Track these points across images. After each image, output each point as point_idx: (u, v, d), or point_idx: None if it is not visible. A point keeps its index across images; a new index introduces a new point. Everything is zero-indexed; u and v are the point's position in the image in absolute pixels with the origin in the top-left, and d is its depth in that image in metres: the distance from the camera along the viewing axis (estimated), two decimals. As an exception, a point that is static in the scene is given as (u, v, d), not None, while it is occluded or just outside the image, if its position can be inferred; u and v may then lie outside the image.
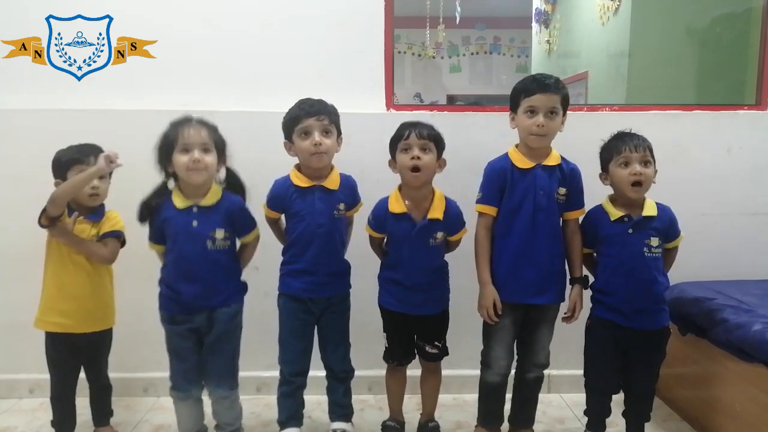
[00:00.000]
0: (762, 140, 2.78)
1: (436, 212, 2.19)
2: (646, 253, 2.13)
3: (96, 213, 2.24)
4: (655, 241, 2.14)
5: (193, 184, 2.11)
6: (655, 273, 2.14)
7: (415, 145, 2.15)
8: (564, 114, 2.15)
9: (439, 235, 2.21)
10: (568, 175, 2.19)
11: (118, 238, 2.27)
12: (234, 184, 2.26)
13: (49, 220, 2.09)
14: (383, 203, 2.25)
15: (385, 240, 2.32)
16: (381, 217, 2.25)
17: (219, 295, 2.16)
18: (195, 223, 2.12)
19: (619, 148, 2.14)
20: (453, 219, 2.24)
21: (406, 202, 2.20)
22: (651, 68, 4.28)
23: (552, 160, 2.17)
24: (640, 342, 2.17)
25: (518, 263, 2.17)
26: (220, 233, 2.14)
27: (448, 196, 2.25)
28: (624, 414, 2.28)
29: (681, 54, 4.18)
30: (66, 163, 2.17)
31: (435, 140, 2.17)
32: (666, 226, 2.17)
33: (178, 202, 2.13)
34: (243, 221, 2.24)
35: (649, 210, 2.15)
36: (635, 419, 2.26)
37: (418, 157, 2.13)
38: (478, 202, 2.22)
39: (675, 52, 4.20)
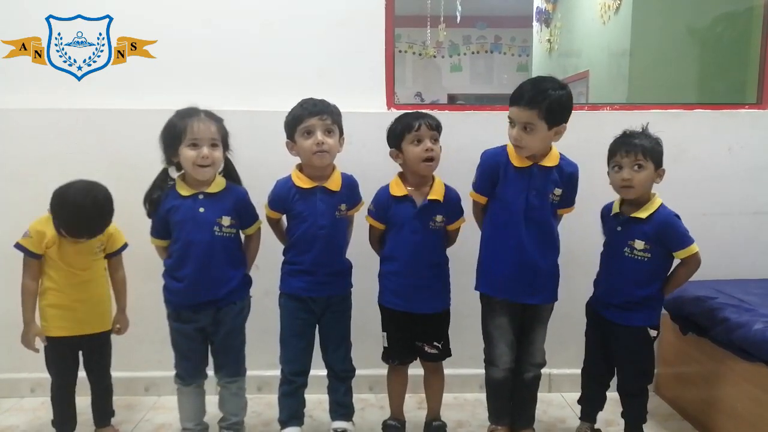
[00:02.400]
0: (763, 139, 2.77)
1: (436, 194, 2.21)
2: (626, 253, 2.14)
3: None
4: (639, 244, 2.12)
5: (199, 179, 2.13)
6: (633, 275, 2.14)
7: (427, 136, 2.17)
8: (554, 124, 2.06)
9: (439, 218, 2.22)
10: (566, 177, 2.18)
11: (123, 251, 2.34)
12: (231, 174, 2.26)
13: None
14: (384, 189, 2.27)
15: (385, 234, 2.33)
16: (383, 203, 2.26)
17: (224, 286, 2.17)
18: (202, 210, 2.13)
19: (613, 152, 2.16)
20: (452, 204, 2.26)
21: (408, 187, 2.23)
22: (652, 67, 4.28)
23: (550, 161, 2.15)
24: (617, 337, 2.20)
25: (511, 263, 2.17)
26: (226, 220, 2.16)
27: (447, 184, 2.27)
28: (622, 415, 2.29)
29: (682, 53, 4.18)
30: (60, 224, 2.13)
31: (440, 130, 2.22)
32: (658, 231, 2.12)
33: (183, 190, 2.14)
34: (247, 212, 2.26)
35: (643, 212, 2.14)
36: (631, 419, 2.26)
37: (432, 149, 2.17)
38: (473, 187, 2.26)
39: (676, 51, 4.20)
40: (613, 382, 2.30)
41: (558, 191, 2.17)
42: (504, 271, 2.18)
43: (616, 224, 2.18)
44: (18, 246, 2.18)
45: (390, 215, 2.26)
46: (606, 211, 2.29)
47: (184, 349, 2.20)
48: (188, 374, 2.22)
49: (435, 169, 2.22)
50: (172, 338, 2.21)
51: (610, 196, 2.26)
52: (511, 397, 2.33)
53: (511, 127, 2.12)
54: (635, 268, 2.14)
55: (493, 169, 2.18)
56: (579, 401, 2.38)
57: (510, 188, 2.16)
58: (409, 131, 2.18)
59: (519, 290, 2.19)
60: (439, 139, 2.21)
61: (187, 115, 2.12)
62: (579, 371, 2.33)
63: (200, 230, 2.12)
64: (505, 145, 2.20)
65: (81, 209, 2.09)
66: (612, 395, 2.32)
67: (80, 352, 2.29)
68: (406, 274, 2.24)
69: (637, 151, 2.11)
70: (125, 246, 2.33)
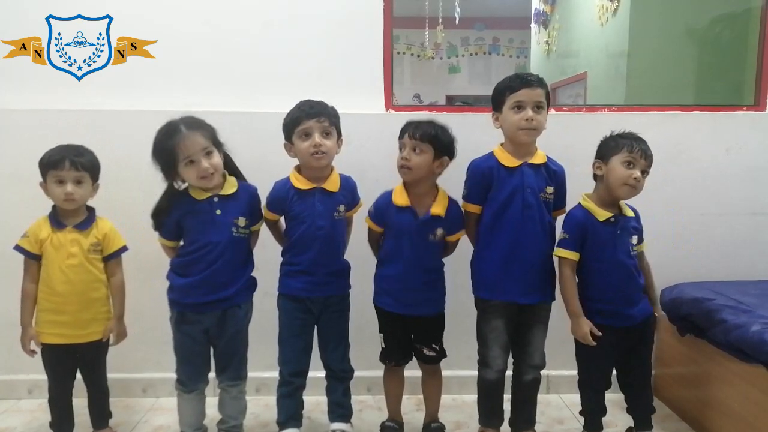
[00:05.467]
0: (761, 141, 2.78)
1: (439, 208, 2.20)
2: (631, 252, 2.17)
3: (85, 221, 2.22)
4: (635, 240, 2.19)
5: (209, 188, 2.14)
6: (637, 271, 2.20)
7: (408, 145, 2.16)
8: (548, 109, 2.18)
9: (439, 231, 2.21)
10: (554, 174, 2.21)
11: (122, 253, 2.31)
12: (231, 167, 2.25)
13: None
14: (387, 195, 2.26)
15: (383, 237, 2.32)
16: (383, 209, 2.25)
17: (233, 285, 2.17)
18: (218, 212, 2.14)
19: (632, 147, 2.12)
20: (453, 218, 2.23)
21: (409, 195, 2.21)
22: (650, 69, 4.29)
23: (538, 159, 2.19)
24: (634, 336, 2.19)
25: (508, 261, 2.17)
26: (242, 221, 2.17)
27: (451, 196, 2.25)
28: (629, 411, 2.28)
29: (680, 54, 4.19)
30: (45, 167, 2.15)
31: (431, 140, 2.15)
32: (641, 226, 2.23)
33: (197, 195, 2.14)
34: (258, 209, 2.27)
35: (628, 211, 2.20)
36: (642, 412, 2.26)
37: (407, 158, 2.16)
38: (464, 198, 2.25)
39: (674, 53, 4.21)
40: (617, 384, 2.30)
41: (549, 189, 2.19)
42: (501, 272, 2.18)
43: (615, 229, 2.15)
44: (17, 248, 2.18)
45: (389, 222, 2.25)
46: (587, 219, 2.16)
47: (188, 352, 2.19)
48: (190, 379, 2.21)
49: (412, 178, 2.18)
50: (176, 342, 2.19)
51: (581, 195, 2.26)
52: (511, 399, 2.34)
53: (516, 113, 2.12)
54: (635, 264, 2.19)
55: (485, 176, 2.18)
56: (582, 413, 2.32)
57: (505, 190, 2.16)
58: (401, 137, 2.20)
59: (516, 290, 2.18)
60: (427, 150, 2.14)
61: (171, 133, 2.06)
62: (576, 372, 2.32)
63: (219, 232, 2.13)
64: (491, 152, 2.21)
65: (62, 145, 2.17)
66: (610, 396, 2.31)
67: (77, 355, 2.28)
68: (401, 280, 2.23)
69: (651, 159, 2.15)
70: (124, 249, 2.30)
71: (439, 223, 2.21)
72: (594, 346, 2.15)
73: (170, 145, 2.05)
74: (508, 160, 2.16)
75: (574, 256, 2.17)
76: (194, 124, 2.11)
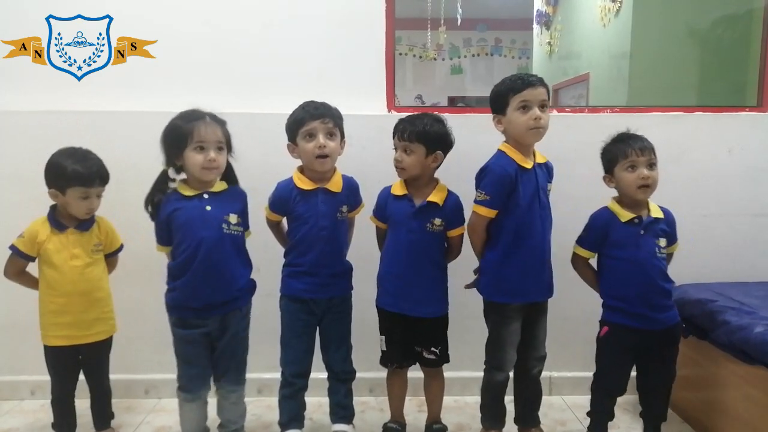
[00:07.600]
0: (763, 141, 2.77)
1: (436, 197, 2.20)
2: (657, 253, 2.14)
3: (86, 222, 2.22)
4: (663, 242, 2.15)
5: (205, 181, 2.13)
6: (664, 273, 2.16)
7: (399, 147, 2.20)
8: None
9: (437, 221, 2.20)
10: (551, 170, 2.25)
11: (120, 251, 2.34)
12: (230, 176, 2.24)
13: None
14: (386, 188, 2.30)
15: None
16: (382, 200, 2.29)
17: (234, 284, 2.15)
18: (209, 208, 2.11)
19: (626, 152, 2.12)
20: (452, 209, 2.22)
21: (409, 189, 2.24)
22: (652, 70, 4.28)
23: (540, 158, 2.20)
24: (658, 341, 2.16)
25: (534, 263, 2.17)
26: (233, 218, 2.15)
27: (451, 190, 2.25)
28: (641, 414, 2.27)
29: (682, 55, 4.18)
30: (69, 178, 2.11)
31: (421, 138, 2.16)
32: (671, 228, 2.20)
33: (187, 191, 2.12)
34: (247, 213, 2.25)
35: (656, 212, 2.17)
36: (653, 420, 2.25)
37: (399, 160, 2.19)
38: (483, 204, 2.13)
39: (676, 54, 4.20)
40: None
41: (550, 186, 2.22)
42: (526, 275, 2.17)
43: (638, 229, 2.14)
44: (11, 247, 2.18)
45: (388, 213, 2.26)
46: (610, 220, 2.18)
47: (190, 355, 2.16)
48: (194, 384, 2.17)
49: (408, 176, 2.21)
50: (176, 346, 2.17)
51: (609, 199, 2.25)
52: (519, 395, 2.34)
53: (523, 113, 2.09)
54: (663, 266, 2.17)
55: (512, 181, 2.11)
56: (589, 414, 2.30)
57: (527, 193, 2.13)
58: (393, 137, 2.23)
59: (534, 290, 2.20)
60: (418, 150, 2.15)
61: (193, 117, 2.09)
62: (579, 374, 2.31)
63: (209, 227, 2.10)
64: (504, 154, 2.15)
65: (76, 152, 2.16)
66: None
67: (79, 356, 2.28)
68: (401, 273, 2.23)
69: (651, 150, 2.13)
70: (122, 246, 2.34)
71: (436, 212, 2.20)
72: (613, 346, 2.19)
73: (188, 127, 2.07)
74: (526, 162, 2.14)
75: (588, 254, 2.27)
76: (217, 118, 2.14)
